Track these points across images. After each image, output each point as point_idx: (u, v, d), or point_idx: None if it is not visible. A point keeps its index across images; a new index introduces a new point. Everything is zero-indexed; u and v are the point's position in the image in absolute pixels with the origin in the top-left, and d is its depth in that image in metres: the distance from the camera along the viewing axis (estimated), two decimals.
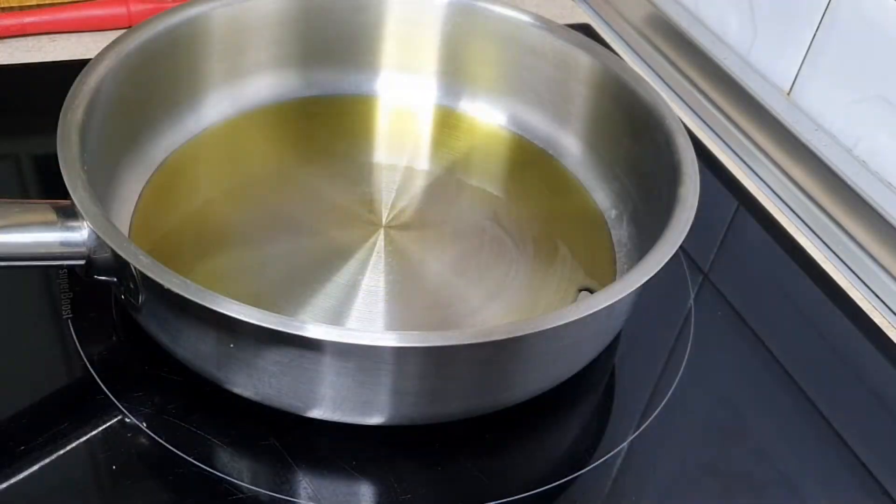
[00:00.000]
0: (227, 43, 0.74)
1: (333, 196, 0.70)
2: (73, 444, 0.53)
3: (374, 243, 0.66)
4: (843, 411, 0.62)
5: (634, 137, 0.70)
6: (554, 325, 0.50)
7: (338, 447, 0.55)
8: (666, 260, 0.54)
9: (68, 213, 0.53)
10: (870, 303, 0.72)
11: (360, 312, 0.61)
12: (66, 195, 0.53)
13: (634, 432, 0.59)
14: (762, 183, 0.83)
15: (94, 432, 0.54)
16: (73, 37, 0.87)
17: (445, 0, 0.77)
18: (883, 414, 0.64)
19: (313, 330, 0.47)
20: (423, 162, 0.75)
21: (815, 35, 0.80)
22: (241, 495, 0.52)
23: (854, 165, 0.76)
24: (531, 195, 0.72)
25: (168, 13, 0.69)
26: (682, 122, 0.68)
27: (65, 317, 0.60)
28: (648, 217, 0.66)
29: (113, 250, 0.50)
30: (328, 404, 0.52)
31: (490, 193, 0.72)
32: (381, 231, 0.67)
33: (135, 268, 0.50)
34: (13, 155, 0.76)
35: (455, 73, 0.80)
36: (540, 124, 0.78)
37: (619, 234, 0.70)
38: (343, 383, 0.51)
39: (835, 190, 0.76)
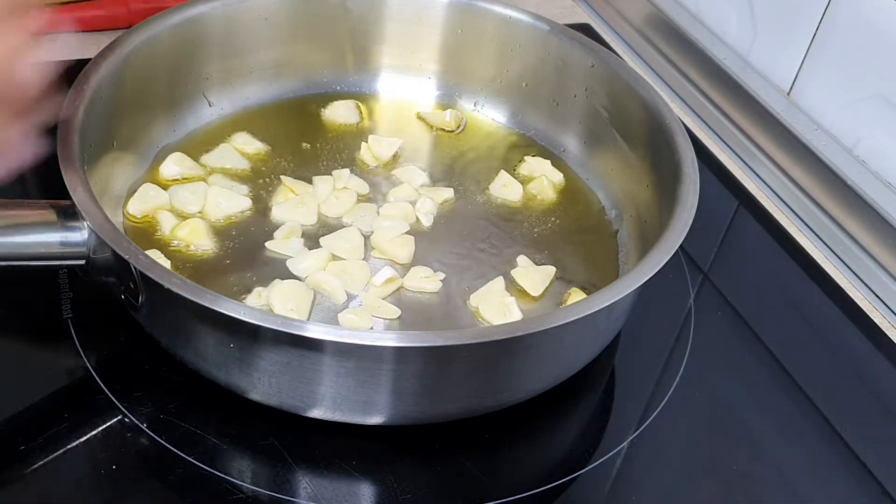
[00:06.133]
0: (227, 43, 0.74)
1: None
2: (73, 444, 0.53)
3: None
4: (842, 411, 0.62)
5: (634, 137, 0.70)
6: (554, 325, 0.50)
7: (338, 447, 0.55)
8: (666, 260, 0.54)
9: (68, 213, 0.53)
10: (870, 303, 0.72)
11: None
12: (66, 195, 0.53)
13: (634, 432, 0.59)
14: (762, 183, 0.83)
15: (94, 432, 0.54)
16: (73, 37, 0.87)
17: (445, 0, 0.77)
18: (883, 414, 0.64)
19: (313, 330, 0.47)
20: (423, 161, 0.75)
21: (815, 35, 0.80)
22: (241, 495, 0.52)
23: (854, 165, 0.76)
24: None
25: (168, 13, 0.69)
26: (682, 122, 0.68)
27: (65, 317, 0.60)
28: (648, 217, 0.66)
29: (113, 250, 0.50)
30: (328, 404, 0.52)
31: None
32: (380, 231, 0.67)
33: (135, 268, 0.50)
34: None
35: (455, 73, 0.80)
36: (540, 123, 0.78)
37: (620, 233, 0.70)
38: (343, 383, 0.51)
39: (835, 190, 0.76)
